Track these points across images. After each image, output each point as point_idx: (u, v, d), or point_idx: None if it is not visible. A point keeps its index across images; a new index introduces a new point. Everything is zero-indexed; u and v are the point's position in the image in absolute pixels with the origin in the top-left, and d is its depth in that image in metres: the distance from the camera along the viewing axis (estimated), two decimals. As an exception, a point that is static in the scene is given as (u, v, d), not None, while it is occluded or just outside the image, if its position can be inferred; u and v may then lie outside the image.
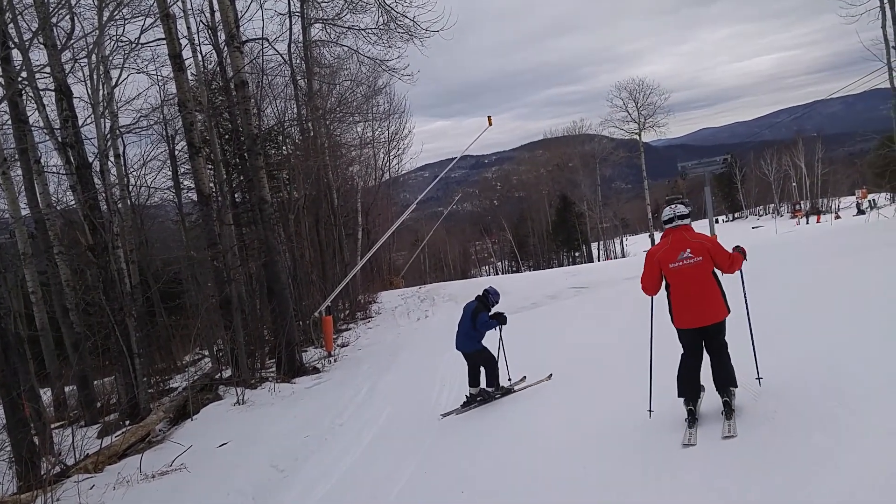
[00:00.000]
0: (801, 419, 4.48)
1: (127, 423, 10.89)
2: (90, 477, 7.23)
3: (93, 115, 12.99)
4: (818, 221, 51.48)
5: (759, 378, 5.14)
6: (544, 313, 15.41)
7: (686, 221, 5.17)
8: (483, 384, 8.10)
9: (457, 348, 8.15)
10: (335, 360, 13.94)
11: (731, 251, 5.08)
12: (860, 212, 49.00)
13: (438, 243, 73.37)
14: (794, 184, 74.13)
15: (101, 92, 13.86)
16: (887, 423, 4.04)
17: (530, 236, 77.43)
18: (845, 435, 4.07)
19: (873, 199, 49.45)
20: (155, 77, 17.27)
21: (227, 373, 12.97)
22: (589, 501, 4.52)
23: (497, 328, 8.14)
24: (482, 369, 8.05)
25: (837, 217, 52.12)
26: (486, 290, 8.39)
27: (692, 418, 4.89)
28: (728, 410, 4.76)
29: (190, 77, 14.16)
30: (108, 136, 13.96)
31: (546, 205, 76.20)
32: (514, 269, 74.21)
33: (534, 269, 63.37)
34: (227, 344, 12.96)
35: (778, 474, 3.89)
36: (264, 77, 18.64)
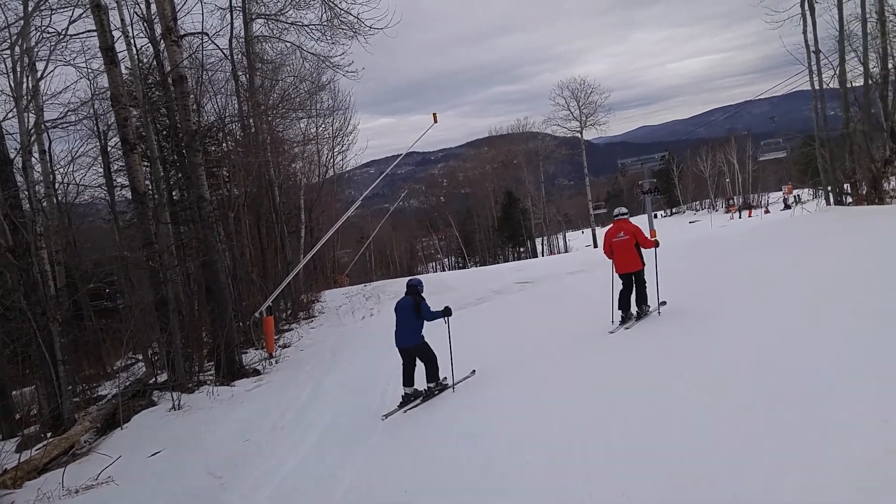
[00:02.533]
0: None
1: (49, 435, 10.33)
2: (9, 493, 6.82)
3: (15, 109, 12.30)
4: (750, 216, 53.77)
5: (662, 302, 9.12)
6: (490, 308, 15.46)
7: (625, 217, 9.30)
8: (417, 384, 8.11)
9: (399, 345, 8.09)
10: (276, 362, 13.62)
11: (649, 236, 9.13)
12: (787, 206, 51.45)
13: (384, 240, 72.97)
14: (727, 180, 77.19)
15: (24, 85, 13.14)
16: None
17: (476, 232, 77.91)
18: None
19: (798, 195, 52.06)
20: (85, 70, 16.52)
21: (163, 377, 12.50)
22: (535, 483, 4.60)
23: (445, 319, 8.16)
24: (418, 367, 8.09)
25: (767, 212, 54.57)
26: (412, 284, 8.36)
27: (623, 318, 8.88)
28: (640, 315, 8.90)
29: (124, 71, 13.58)
30: (33, 130, 13.25)
31: (492, 201, 76.79)
32: (461, 264, 74.53)
33: (480, 265, 63.77)
34: (163, 347, 12.48)
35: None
36: (204, 72, 18.04)
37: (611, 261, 9.13)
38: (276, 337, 15.46)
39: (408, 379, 8.09)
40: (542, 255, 62.15)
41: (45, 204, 15.98)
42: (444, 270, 69.97)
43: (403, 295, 8.29)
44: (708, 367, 5.94)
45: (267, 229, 20.71)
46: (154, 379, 13.02)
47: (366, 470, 6.06)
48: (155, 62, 14.80)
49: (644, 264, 8.75)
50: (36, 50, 14.61)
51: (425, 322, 8.05)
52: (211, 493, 6.18)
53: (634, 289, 8.84)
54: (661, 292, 9.14)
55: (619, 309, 8.86)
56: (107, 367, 16.92)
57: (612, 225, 9.27)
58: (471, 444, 5.92)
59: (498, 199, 76.22)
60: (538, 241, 70.70)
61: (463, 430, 6.40)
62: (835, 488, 3.42)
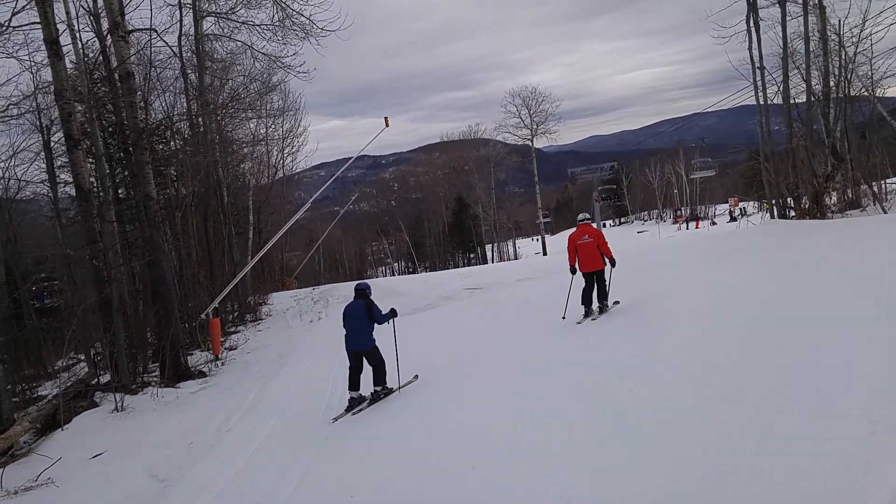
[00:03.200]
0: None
1: (-13, 434, 10.10)
2: (-56, 495, 6.70)
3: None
4: (697, 227, 55.60)
5: (616, 302, 10.08)
6: (438, 314, 15.71)
7: (588, 222, 10.32)
8: (361, 390, 8.26)
9: (349, 349, 8.24)
10: (222, 364, 13.56)
11: (608, 246, 9.92)
12: (732, 219, 53.39)
13: (334, 243, 72.40)
14: (675, 191, 79.55)
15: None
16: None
17: (427, 237, 78.09)
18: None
19: (743, 208, 54.04)
20: (28, 63, 16.02)
21: (106, 378, 12.30)
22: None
23: (391, 321, 8.41)
24: (364, 372, 8.26)
25: (713, 223, 56.51)
26: (362, 287, 8.61)
27: (587, 312, 9.90)
28: (601, 309, 9.93)
29: (69, 65, 13.28)
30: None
31: (443, 206, 77.10)
32: (411, 269, 74.62)
33: (430, 270, 64.06)
34: (106, 347, 12.28)
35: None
36: (152, 69, 17.76)
37: (571, 264, 10.05)
38: (222, 339, 15.36)
39: (354, 384, 8.24)
40: (492, 262, 62.76)
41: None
42: (393, 275, 69.89)
43: (353, 299, 8.45)
44: (653, 367, 6.30)
45: (214, 230, 20.48)
46: (97, 380, 12.79)
47: (311, 474, 6.18)
48: (101, 57, 14.53)
49: (605, 264, 9.80)
50: (-25, 42, 14.16)
51: (375, 325, 8.25)
52: (153, 496, 6.21)
53: (596, 286, 9.84)
54: (613, 294, 10.13)
55: (581, 304, 9.86)
56: (47, 366, 16.45)
57: (575, 229, 10.17)
58: (417, 447, 6.14)
59: (449, 205, 76.61)
60: (488, 247, 71.35)
61: (410, 435, 6.62)
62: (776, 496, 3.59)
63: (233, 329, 18.09)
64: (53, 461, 7.37)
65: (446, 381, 8.52)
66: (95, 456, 7.80)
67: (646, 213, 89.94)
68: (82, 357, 16.40)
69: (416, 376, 8.83)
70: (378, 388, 8.32)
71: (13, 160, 19.13)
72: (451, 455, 5.61)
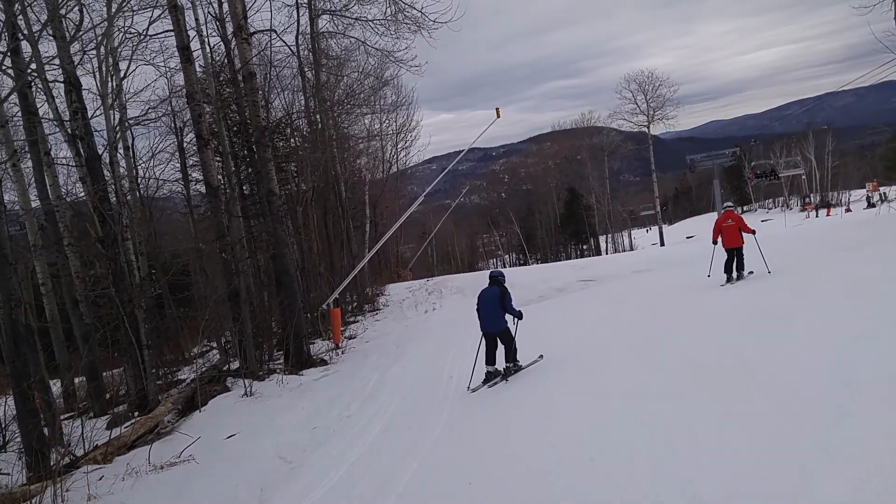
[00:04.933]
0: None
1: (136, 414, 10.94)
2: (99, 468, 7.26)
3: (102, 107, 13.00)
4: (828, 215, 50.72)
5: (769, 271, 11.63)
6: (552, 305, 15.38)
7: (731, 208, 12.86)
8: (499, 364, 8.90)
9: (484, 330, 8.94)
10: (343, 353, 13.95)
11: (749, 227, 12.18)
12: (870, 205, 48.45)
13: (446, 236, 73.34)
14: (803, 177, 73.39)
15: (109, 84, 13.87)
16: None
17: (538, 229, 77.14)
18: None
19: (884, 193, 48.83)
20: (163, 69, 17.28)
21: (235, 365, 13.01)
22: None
23: (514, 320, 8.92)
24: (500, 348, 8.89)
25: (848, 210, 51.56)
26: (496, 275, 9.30)
27: (728, 278, 11.95)
28: (739, 278, 11.94)
29: (198, 69, 14.13)
30: (118, 128, 13.97)
31: (554, 197, 75.81)
32: (522, 261, 74.08)
33: (541, 262, 63.22)
34: (235, 336, 12.98)
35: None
36: (272, 69, 18.59)
37: (714, 239, 12.36)
38: (342, 328, 15.83)
39: (490, 359, 8.94)
40: (606, 254, 60.97)
41: (129, 198, 16.80)
42: (504, 267, 69.74)
43: (487, 285, 9.11)
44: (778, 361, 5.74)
45: (333, 223, 21.18)
46: (227, 366, 13.57)
47: (430, 460, 6.14)
48: (226, 59, 15.35)
49: (744, 242, 12.06)
50: (119, 50, 15.39)
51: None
52: (282, 476, 6.40)
53: (735, 259, 12.02)
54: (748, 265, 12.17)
55: (724, 272, 12.10)
56: (185, 353, 17.70)
57: (722, 213, 12.77)
58: (535, 435, 5.94)
59: (560, 196, 75.22)
60: (602, 238, 69.37)
61: (526, 422, 6.44)
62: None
63: (352, 319, 18.63)
64: (193, 440, 7.82)
65: (568, 365, 8.44)
66: (230, 436, 8.20)
67: (770, 200, 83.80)
68: (214, 345, 17.51)
69: (541, 356, 9.22)
70: (509, 364, 8.88)
71: (152, 161, 20.64)
72: (570, 445, 5.40)
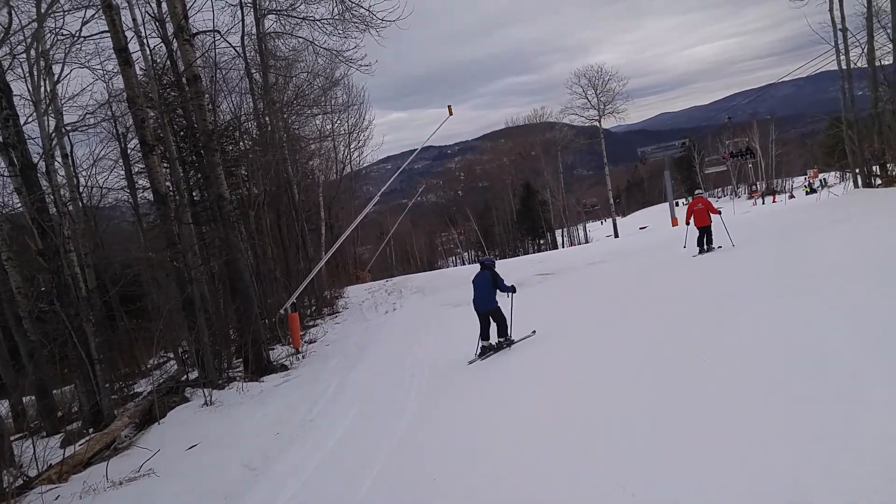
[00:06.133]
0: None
1: (91, 430, 10.56)
2: (55, 487, 6.96)
3: (35, 114, 12.48)
4: (774, 201, 52.48)
5: (733, 245, 14.28)
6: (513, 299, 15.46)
7: (700, 194, 15.91)
8: (493, 339, 9.97)
9: (478, 309, 9.98)
10: (303, 357, 13.75)
11: (716, 208, 15.02)
12: (812, 191, 50.32)
13: (404, 235, 73.18)
14: (750, 165, 75.59)
15: (42, 88, 13.31)
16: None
17: (495, 225, 77.66)
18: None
19: (824, 179, 50.74)
20: (100, 72, 16.64)
21: (194, 374, 12.68)
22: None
23: (509, 295, 10.13)
24: (493, 325, 9.92)
25: (791, 197, 53.42)
26: (487, 262, 10.40)
27: (700, 251, 14.56)
28: (710, 250, 14.55)
29: (139, 71, 13.71)
30: (53, 134, 13.46)
31: (510, 193, 76.42)
32: (481, 258, 74.28)
33: (500, 258, 63.60)
34: (192, 345, 12.66)
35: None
36: (218, 71, 18.16)
37: (686, 221, 15.15)
38: (301, 333, 15.61)
39: (485, 335, 9.99)
40: (563, 247, 61.72)
41: (70, 207, 16.21)
42: (464, 264, 69.90)
43: (479, 270, 10.18)
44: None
45: (287, 227, 20.86)
46: (186, 376, 13.23)
47: (393, 461, 6.11)
48: (168, 62, 14.90)
49: (711, 221, 14.62)
50: (51, 53, 14.76)
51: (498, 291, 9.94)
52: (246, 484, 6.24)
53: (705, 235, 14.57)
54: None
55: (697, 246, 14.69)
56: (141, 365, 17.18)
57: (692, 199, 15.52)
58: (497, 433, 6.05)
59: (516, 192, 75.85)
60: (558, 232, 70.20)
61: (488, 422, 6.53)
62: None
63: (311, 323, 18.40)
64: (153, 453, 7.59)
65: (532, 350, 9.15)
66: (191, 447, 7.98)
67: (719, 189, 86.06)
68: (171, 355, 17.05)
69: (534, 331, 10.32)
70: (501, 339, 10.00)
71: (94, 168, 19.98)
72: (533, 434, 5.58)
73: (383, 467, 5.95)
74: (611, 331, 9.28)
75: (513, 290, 10.19)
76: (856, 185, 21.32)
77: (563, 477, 4.62)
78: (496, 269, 10.16)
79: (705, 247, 14.58)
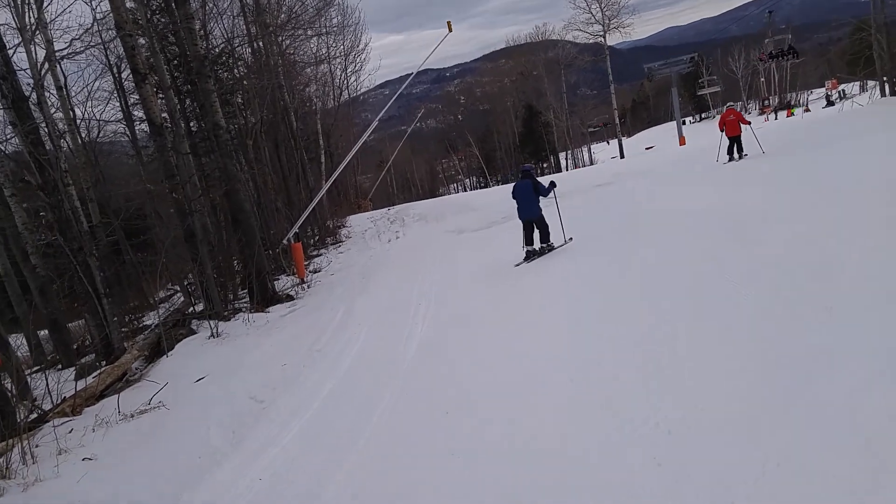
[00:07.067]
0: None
1: (103, 363, 10.77)
2: (68, 420, 7.11)
3: (22, 41, 12.01)
4: (789, 115, 50.68)
5: (762, 151, 15.29)
6: (517, 225, 15.35)
7: (732, 106, 17.30)
8: (536, 243, 10.54)
9: (522, 217, 10.57)
10: (308, 287, 13.82)
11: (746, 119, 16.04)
12: (830, 103, 48.69)
13: (404, 163, 72.35)
14: (762, 79, 73.29)
15: (27, 15, 12.74)
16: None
17: (497, 150, 76.47)
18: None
19: (843, 90, 48.79)
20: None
21: (200, 307, 12.80)
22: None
23: (553, 192, 10.67)
24: (536, 232, 10.49)
25: (807, 110, 51.80)
26: (527, 168, 11.08)
27: (730, 158, 15.56)
28: (740, 157, 15.50)
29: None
30: (45, 63, 13.03)
31: (512, 116, 74.71)
32: (483, 184, 73.75)
33: (502, 183, 63.06)
34: (196, 278, 12.71)
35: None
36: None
37: (720, 128, 16.05)
38: (306, 262, 15.64)
39: (529, 240, 10.58)
40: (567, 170, 60.97)
41: (67, 140, 15.93)
42: (465, 191, 69.41)
43: (520, 179, 10.73)
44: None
45: (287, 156, 20.59)
46: (192, 308, 13.37)
47: (402, 392, 6.14)
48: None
49: (742, 132, 15.57)
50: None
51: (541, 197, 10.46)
52: (254, 416, 6.29)
53: (736, 144, 15.59)
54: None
55: (727, 154, 15.69)
56: (149, 298, 17.35)
57: (725, 110, 16.51)
58: (507, 361, 6.11)
59: (518, 114, 74.18)
60: (562, 155, 69.10)
61: (503, 351, 6.56)
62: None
63: (315, 252, 18.43)
64: (161, 386, 7.70)
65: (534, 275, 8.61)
66: (199, 380, 8.09)
67: (730, 104, 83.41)
68: (178, 288, 17.19)
69: (571, 238, 10.73)
70: (544, 245, 10.56)
71: (90, 101, 19.51)
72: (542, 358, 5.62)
73: (392, 398, 5.99)
74: (625, 253, 9.08)
75: (553, 185, 10.69)
76: (882, 94, 20.58)
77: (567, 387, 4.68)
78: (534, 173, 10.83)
79: (735, 155, 15.51)
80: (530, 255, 10.49)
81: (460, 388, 5.82)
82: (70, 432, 6.52)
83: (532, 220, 10.43)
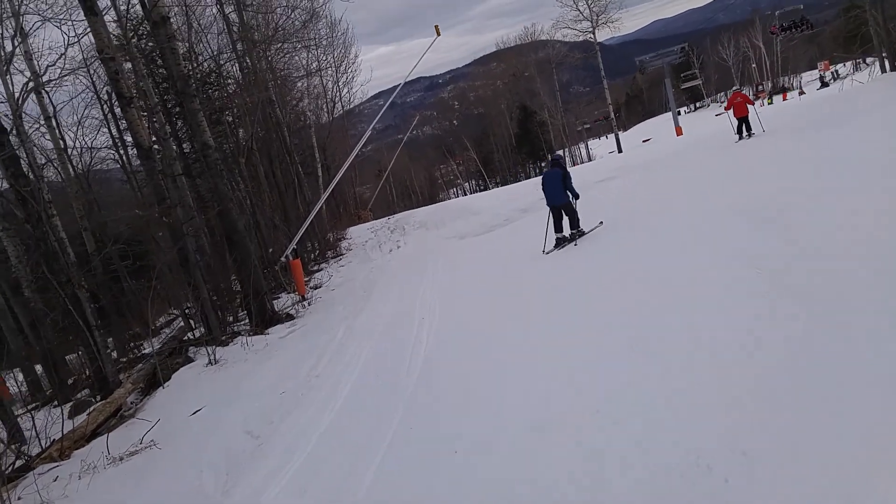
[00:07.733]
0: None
1: (98, 398, 10.37)
2: (55, 466, 6.70)
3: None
4: (784, 99, 50.01)
5: (763, 130, 16.46)
6: (520, 227, 14.96)
7: (737, 90, 20.58)
8: (566, 231, 10.76)
9: (550, 204, 10.83)
10: (309, 304, 13.39)
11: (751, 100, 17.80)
12: (824, 84, 48.21)
13: (402, 171, 72.15)
14: (753, 65, 72.87)
15: (2, 48, 12.41)
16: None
17: (494, 152, 76.12)
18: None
19: (835, 71, 48.37)
20: (67, 23, 15.57)
21: (200, 331, 12.40)
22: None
23: (573, 200, 10.71)
24: (566, 219, 10.72)
25: (802, 93, 51.30)
26: (557, 157, 11.56)
27: (740, 137, 16.37)
28: (749, 136, 16.29)
29: (112, 21, 12.81)
30: (23, 91, 12.69)
31: (507, 118, 74.35)
32: (482, 187, 73.33)
33: (501, 185, 62.56)
34: (193, 302, 12.31)
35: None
36: (192, 14, 17.09)
37: (727, 110, 17.14)
38: (306, 278, 15.25)
39: (558, 228, 10.82)
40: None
41: (58, 168, 15.67)
42: (465, 195, 68.97)
43: (550, 167, 11.12)
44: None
45: (282, 172, 20.23)
46: (190, 334, 12.97)
47: (407, 425, 5.52)
48: (141, 6, 13.90)
49: (749, 112, 16.44)
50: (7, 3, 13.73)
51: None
52: (248, 454, 5.81)
53: (744, 124, 16.32)
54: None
55: (736, 133, 16.51)
56: (149, 325, 16.98)
57: (732, 94, 17.71)
58: (518, 366, 5.61)
59: (513, 115, 73.79)
60: (559, 153, 68.56)
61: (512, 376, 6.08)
62: None
63: (316, 267, 18.05)
64: (153, 424, 7.27)
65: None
66: (195, 412, 7.66)
67: (722, 93, 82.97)
68: (178, 313, 16.82)
69: (601, 222, 10.91)
70: (574, 231, 10.70)
71: (80, 129, 19.31)
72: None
73: (395, 434, 5.38)
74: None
75: (577, 196, 10.75)
76: (882, 70, 20.20)
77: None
78: (566, 167, 11.10)
79: (744, 134, 16.39)
80: (560, 242, 10.70)
81: (469, 420, 5.19)
82: (55, 480, 6.10)
83: (560, 206, 10.67)
